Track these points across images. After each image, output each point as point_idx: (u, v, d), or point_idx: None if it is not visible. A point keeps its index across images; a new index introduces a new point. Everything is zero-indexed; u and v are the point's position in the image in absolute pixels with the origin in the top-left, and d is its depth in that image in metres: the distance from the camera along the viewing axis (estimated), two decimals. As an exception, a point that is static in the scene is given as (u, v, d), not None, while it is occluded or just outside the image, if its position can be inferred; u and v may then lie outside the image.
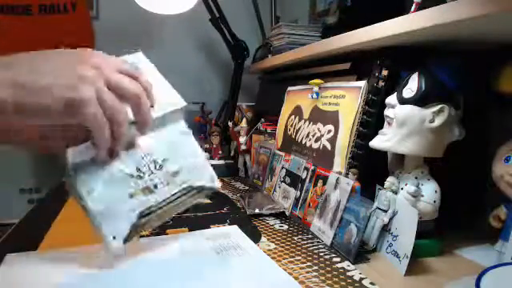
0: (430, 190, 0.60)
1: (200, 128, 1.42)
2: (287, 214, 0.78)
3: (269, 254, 0.57)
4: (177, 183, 0.45)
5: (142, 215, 0.42)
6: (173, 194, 0.45)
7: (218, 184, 0.48)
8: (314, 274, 0.52)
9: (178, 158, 0.46)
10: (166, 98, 0.45)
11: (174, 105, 0.46)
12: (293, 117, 0.94)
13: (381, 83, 0.69)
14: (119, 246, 0.40)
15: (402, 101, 0.59)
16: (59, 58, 0.40)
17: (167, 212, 0.45)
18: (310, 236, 0.67)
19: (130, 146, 0.43)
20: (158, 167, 0.44)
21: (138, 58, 0.48)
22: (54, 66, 0.38)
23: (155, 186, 0.43)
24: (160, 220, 0.45)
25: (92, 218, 0.41)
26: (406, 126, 0.58)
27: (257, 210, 0.77)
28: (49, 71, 0.37)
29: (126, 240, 0.41)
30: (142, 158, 0.43)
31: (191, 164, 0.46)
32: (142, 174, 0.43)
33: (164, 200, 0.44)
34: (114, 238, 0.40)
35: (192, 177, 0.46)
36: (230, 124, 1.27)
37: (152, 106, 0.43)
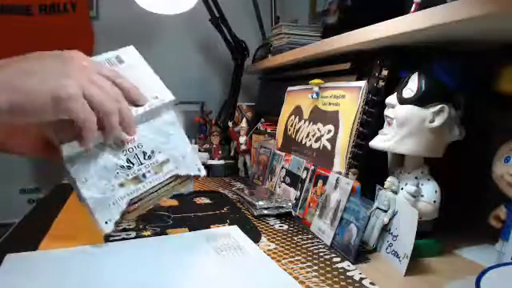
0: (430, 190, 0.60)
1: (200, 128, 1.42)
2: (293, 213, 0.77)
3: (269, 254, 0.57)
4: (164, 172, 0.49)
5: (131, 203, 0.47)
6: (160, 183, 0.49)
7: (203, 172, 0.52)
8: (314, 273, 0.52)
9: (166, 148, 0.49)
10: (154, 92, 0.49)
11: (161, 99, 0.49)
12: (293, 117, 0.94)
13: (381, 83, 0.69)
14: (111, 229, 0.45)
15: (402, 101, 0.59)
16: (46, 60, 0.42)
17: (156, 198, 0.49)
18: (310, 236, 0.67)
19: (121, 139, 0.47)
20: (146, 158, 0.48)
21: (127, 52, 0.51)
22: (41, 67, 0.41)
23: (144, 176, 0.47)
24: (149, 205, 0.49)
25: (86, 205, 0.45)
26: (406, 126, 0.58)
27: (265, 212, 0.77)
28: (36, 72, 0.40)
29: (117, 223, 0.46)
30: (132, 149, 0.47)
31: (178, 154, 0.50)
32: (131, 165, 0.47)
33: (152, 188, 0.48)
34: (107, 222, 0.45)
35: (179, 165, 0.50)
36: (229, 124, 1.27)
37: (138, 105, 0.46)
